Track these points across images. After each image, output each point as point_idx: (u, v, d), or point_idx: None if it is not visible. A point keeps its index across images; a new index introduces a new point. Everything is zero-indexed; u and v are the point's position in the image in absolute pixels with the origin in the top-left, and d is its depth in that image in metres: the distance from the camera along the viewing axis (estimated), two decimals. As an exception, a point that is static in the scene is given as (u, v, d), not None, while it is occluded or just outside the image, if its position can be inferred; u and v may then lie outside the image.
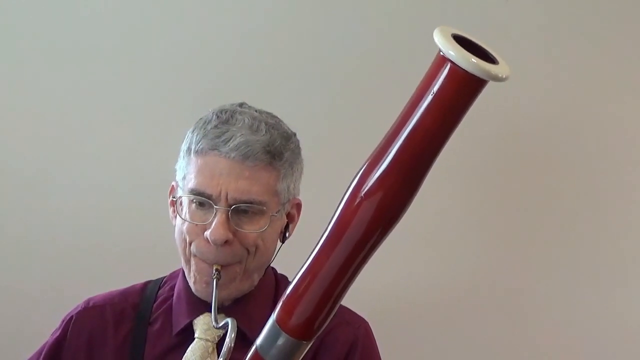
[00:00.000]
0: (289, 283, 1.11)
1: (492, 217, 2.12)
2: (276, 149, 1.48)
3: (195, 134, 1.50)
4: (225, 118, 1.50)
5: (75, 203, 2.08)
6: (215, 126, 1.48)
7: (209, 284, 1.47)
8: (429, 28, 0.97)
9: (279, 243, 1.57)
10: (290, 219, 1.58)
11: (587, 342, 2.11)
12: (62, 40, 2.08)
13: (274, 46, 2.08)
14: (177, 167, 1.55)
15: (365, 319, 1.63)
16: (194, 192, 1.47)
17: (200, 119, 1.53)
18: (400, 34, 2.06)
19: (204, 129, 1.49)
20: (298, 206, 1.59)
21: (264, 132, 1.48)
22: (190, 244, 1.50)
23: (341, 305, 1.12)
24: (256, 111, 1.53)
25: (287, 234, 1.58)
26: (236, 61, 2.08)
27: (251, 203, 1.46)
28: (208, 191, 1.45)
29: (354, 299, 1.31)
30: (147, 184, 2.03)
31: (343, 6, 2.08)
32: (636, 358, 2.11)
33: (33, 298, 2.07)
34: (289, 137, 1.53)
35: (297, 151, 1.55)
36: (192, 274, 1.52)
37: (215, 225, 1.44)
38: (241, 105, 1.55)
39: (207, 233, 1.45)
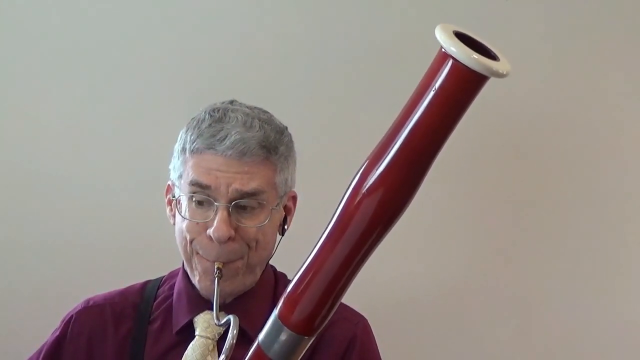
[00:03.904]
0: (288, 281, 1.12)
1: (493, 214, 2.12)
2: (271, 143, 1.50)
3: (190, 134, 1.51)
4: (219, 117, 1.50)
5: (75, 203, 2.08)
6: (210, 125, 1.49)
7: (213, 281, 1.47)
8: (430, 26, 0.98)
9: (279, 236, 1.58)
10: (288, 212, 1.59)
11: (585, 341, 2.12)
12: (59, 41, 2.08)
13: (269, 42, 2.08)
14: (170, 167, 1.56)
15: (364, 315, 1.63)
16: (194, 183, 1.47)
17: (193, 118, 1.54)
18: (402, 31, 2.07)
19: (198, 128, 1.50)
20: (294, 198, 1.60)
21: (258, 128, 1.49)
22: (191, 242, 1.50)
23: (340, 303, 1.12)
24: (247, 108, 1.55)
25: (285, 227, 1.59)
26: (229, 58, 2.09)
27: (253, 195, 1.47)
28: (207, 182, 1.46)
29: (353, 296, 1.31)
30: (146, 184, 2.03)
31: (345, 3, 2.09)
32: (636, 358, 2.12)
33: (33, 298, 2.07)
34: (282, 131, 1.55)
35: (290, 145, 1.56)
36: (196, 273, 1.53)
37: (217, 223, 1.45)
38: (232, 102, 1.56)
39: (210, 231, 1.46)
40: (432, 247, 2.12)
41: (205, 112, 1.53)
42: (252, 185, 1.47)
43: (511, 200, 2.11)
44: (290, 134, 1.58)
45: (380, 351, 1.63)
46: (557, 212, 2.11)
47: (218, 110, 1.52)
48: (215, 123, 1.49)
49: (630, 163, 2.11)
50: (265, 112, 1.56)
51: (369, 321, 1.63)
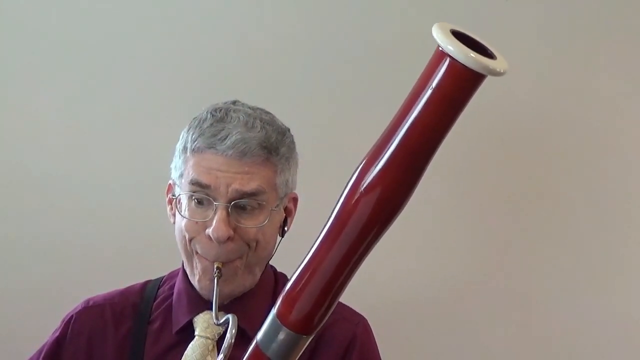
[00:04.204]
0: (288, 280, 1.12)
1: (491, 213, 2.12)
2: (272, 144, 1.50)
3: (191, 133, 1.51)
4: (220, 116, 1.51)
5: (75, 203, 2.09)
6: (211, 124, 1.49)
7: (212, 280, 1.47)
8: (428, 26, 0.97)
9: (279, 238, 1.58)
10: (288, 213, 1.59)
11: (585, 339, 2.12)
12: (59, 41, 2.09)
13: (270, 43, 2.09)
14: (172, 166, 1.56)
15: (364, 315, 1.63)
16: (194, 182, 1.47)
17: (195, 118, 1.54)
18: (402, 31, 2.07)
19: (200, 127, 1.50)
20: (295, 200, 1.60)
21: (259, 128, 1.50)
22: (190, 241, 1.50)
23: (340, 303, 1.13)
24: (250, 108, 1.55)
25: (285, 228, 1.59)
26: (231, 59, 2.09)
27: (252, 195, 1.47)
28: (207, 182, 1.46)
29: (352, 295, 1.31)
30: (146, 184, 2.03)
31: (345, 3, 2.09)
32: (636, 357, 2.12)
33: (33, 298, 2.07)
34: (284, 133, 1.55)
35: (292, 146, 1.57)
36: (195, 272, 1.53)
37: (217, 223, 1.45)
38: (234, 102, 1.56)
39: (209, 230, 1.46)
40: (431, 246, 2.12)
41: (207, 112, 1.53)
42: (251, 186, 1.47)
43: (510, 199, 2.11)
44: (292, 136, 1.58)
45: (380, 351, 1.63)
46: (557, 210, 2.11)
47: (220, 110, 1.52)
48: (217, 123, 1.50)
49: (630, 162, 2.11)
50: (268, 113, 1.56)
51: (368, 321, 1.63)
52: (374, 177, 1.01)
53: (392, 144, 1.00)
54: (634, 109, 2.11)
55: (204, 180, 1.46)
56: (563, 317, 2.11)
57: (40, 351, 1.62)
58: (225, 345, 1.25)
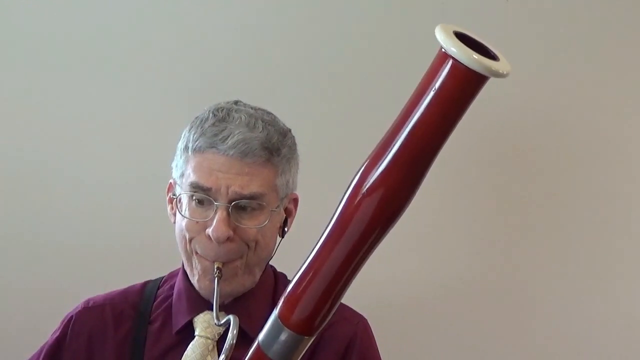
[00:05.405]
0: (288, 281, 1.12)
1: (492, 214, 2.12)
2: (273, 145, 1.50)
3: (193, 133, 1.51)
4: (222, 116, 1.51)
5: (75, 203, 2.08)
6: (213, 124, 1.49)
7: (212, 281, 1.47)
8: (431, 26, 0.98)
9: (279, 238, 1.58)
10: (288, 214, 1.59)
11: (586, 339, 2.12)
12: (62, 41, 2.09)
13: (271, 44, 2.09)
14: (173, 165, 1.56)
15: (364, 315, 1.63)
16: (194, 185, 1.47)
17: (197, 117, 1.54)
18: (402, 32, 2.07)
19: (201, 127, 1.50)
20: (295, 201, 1.60)
21: (261, 129, 1.50)
22: (190, 241, 1.50)
23: (340, 303, 1.12)
24: (252, 108, 1.55)
25: (285, 229, 1.59)
26: (233, 59, 2.09)
27: (251, 198, 1.47)
28: (208, 185, 1.46)
29: (353, 296, 1.31)
30: (146, 183, 2.03)
31: (346, 4, 2.09)
32: (636, 358, 2.12)
33: (33, 298, 2.07)
34: (285, 133, 1.55)
35: (293, 147, 1.57)
36: (195, 272, 1.53)
37: (216, 223, 1.45)
38: (236, 102, 1.56)
39: (209, 230, 1.46)
40: (432, 247, 2.12)
41: (209, 112, 1.53)
42: (251, 189, 1.47)
43: (511, 200, 2.12)
44: (293, 137, 1.58)
45: (380, 351, 1.63)
46: (558, 211, 2.11)
47: (222, 110, 1.52)
48: (219, 122, 1.49)
49: (630, 163, 2.11)
50: (269, 113, 1.56)
51: (368, 321, 1.63)
52: (376, 179, 1.01)
53: (394, 145, 1.00)
54: (635, 109, 2.11)
55: (205, 183, 1.46)
56: (563, 317, 2.12)
57: (40, 351, 1.62)
58: (227, 347, 1.26)
